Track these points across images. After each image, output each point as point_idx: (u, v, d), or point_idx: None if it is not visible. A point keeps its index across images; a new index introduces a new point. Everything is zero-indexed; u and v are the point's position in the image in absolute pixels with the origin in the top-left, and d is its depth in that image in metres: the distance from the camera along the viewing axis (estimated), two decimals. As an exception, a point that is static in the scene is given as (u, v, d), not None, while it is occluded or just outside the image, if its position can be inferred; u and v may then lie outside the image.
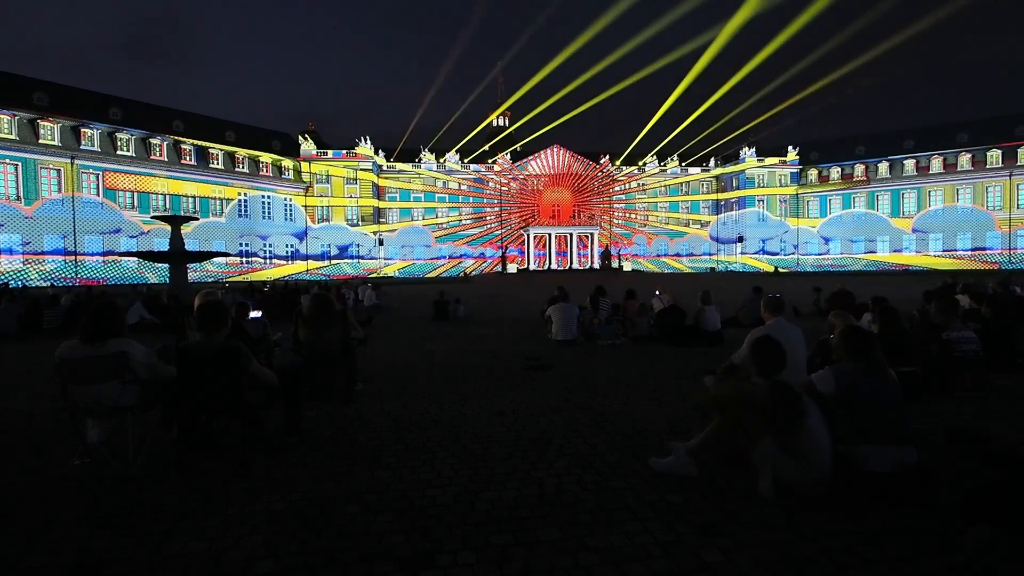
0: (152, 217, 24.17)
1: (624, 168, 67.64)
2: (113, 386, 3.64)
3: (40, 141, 38.91)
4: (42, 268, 38.06)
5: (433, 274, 59.50)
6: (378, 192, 61.91)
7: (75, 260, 40.04)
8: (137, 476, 3.59)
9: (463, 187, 65.29)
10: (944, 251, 53.60)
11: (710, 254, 67.53)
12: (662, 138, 66.47)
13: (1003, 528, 2.37)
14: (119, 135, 43.40)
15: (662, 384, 6.42)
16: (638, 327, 10.29)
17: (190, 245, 23.47)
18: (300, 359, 5.56)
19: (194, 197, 47.37)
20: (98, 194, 41.75)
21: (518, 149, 68.77)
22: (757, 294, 11.94)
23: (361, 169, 58.91)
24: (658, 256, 67.14)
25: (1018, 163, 49.82)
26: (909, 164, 55.82)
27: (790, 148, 62.87)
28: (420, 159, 63.92)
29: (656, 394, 5.91)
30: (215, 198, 49.19)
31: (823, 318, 6.94)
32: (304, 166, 57.18)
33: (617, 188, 68.20)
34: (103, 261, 41.00)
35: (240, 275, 45.69)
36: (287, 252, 55.18)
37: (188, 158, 47.67)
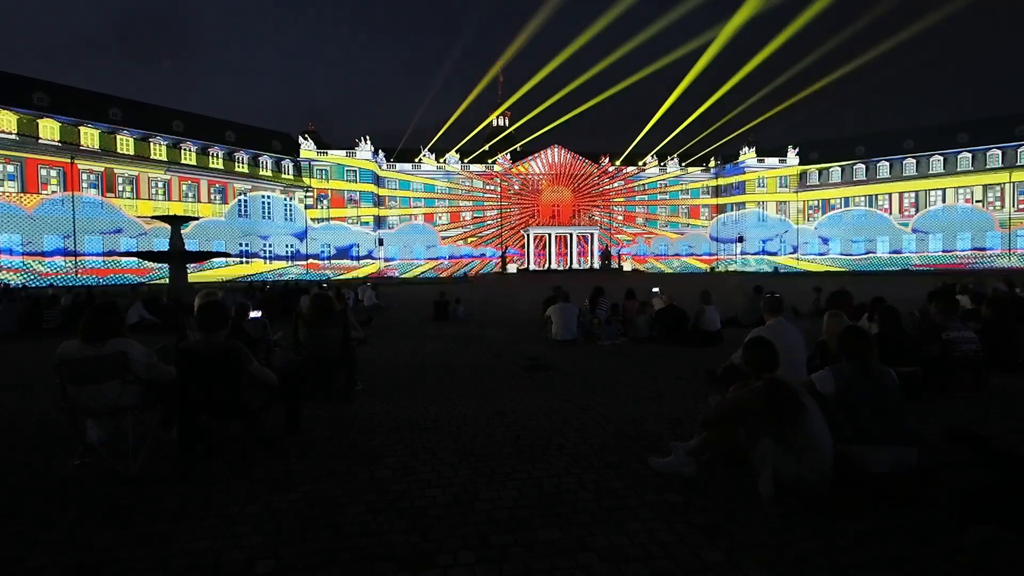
0: (152, 217, 24.10)
1: (624, 168, 67.67)
2: (113, 386, 3.64)
3: (40, 141, 38.92)
4: (43, 273, 38.05)
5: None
6: (378, 193, 61.95)
7: (75, 260, 40.05)
8: (137, 476, 3.59)
9: (463, 187, 65.34)
10: (944, 251, 53.68)
11: (710, 254, 67.57)
12: (662, 138, 66.48)
13: (1003, 528, 2.37)
14: (119, 135, 43.42)
15: (662, 384, 6.42)
16: (638, 327, 10.28)
17: (190, 245, 23.43)
18: (300, 359, 5.57)
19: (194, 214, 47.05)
20: (99, 193, 41.77)
21: (518, 149, 68.77)
22: (758, 294, 11.93)
23: (361, 169, 58.97)
24: (657, 256, 67.16)
25: (1018, 163, 49.86)
26: (909, 164, 55.86)
27: (790, 148, 62.93)
28: (420, 159, 63.98)
29: (656, 394, 5.90)
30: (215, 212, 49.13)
31: (823, 318, 6.93)
32: (304, 166, 57.24)
33: (617, 188, 68.21)
34: (103, 261, 41.02)
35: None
36: (287, 252, 55.19)
37: (188, 158, 47.69)
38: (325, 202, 57.99)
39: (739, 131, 65.79)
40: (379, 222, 61.61)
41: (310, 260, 56.37)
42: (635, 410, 5.24)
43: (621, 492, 3.32)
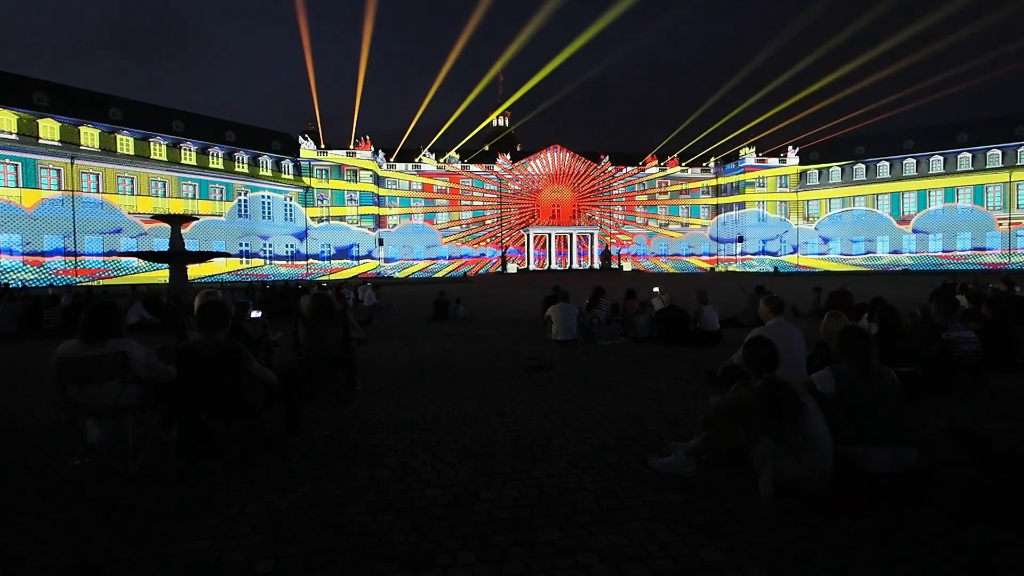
0: (152, 217, 24.14)
1: (624, 168, 67.70)
2: (113, 386, 3.64)
3: (40, 141, 38.93)
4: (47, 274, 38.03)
5: (441, 273, 59.17)
6: (377, 192, 61.96)
7: (75, 260, 40.06)
8: (137, 476, 3.59)
9: (462, 187, 65.36)
10: (944, 251, 53.72)
11: (710, 254, 67.61)
12: (662, 138, 66.55)
13: (1003, 528, 2.37)
14: (119, 135, 43.44)
15: (662, 384, 6.42)
16: (638, 327, 10.28)
17: (190, 245, 23.46)
18: (300, 359, 5.57)
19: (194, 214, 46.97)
20: (99, 192, 41.78)
21: (518, 149, 68.82)
22: (759, 294, 11.92)
23: (361, 169, 59.00)
24: (656, 256, 67.18)
25: (1018, 163, 49.87)
26: (909, 164, 55.88)
27: (790, 148, 62.96)
28: (420, 159, 64.00)
29: (656, 394, 5.90)
30: (215, 214, 48.98)
31: (823, 318, 6.94)
32: (304, 166, 57.25)
33: (617, 188, 68.23)
34: (103, 261, 41.02)
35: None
36: (287, 252, 55.19)
37: (188, 158, 47.73)
38: (325, 201, 57.97)
39: (740, 131, 65.73)
40: (379, 221, 61.55)
41: (309, 260, 56.38)
42: (635, 410, 5.24)
43: (621, 492, 3.32)
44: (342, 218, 58.28)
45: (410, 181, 63.90)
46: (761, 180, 62.94)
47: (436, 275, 57.17)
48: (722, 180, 66.85)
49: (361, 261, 58.39)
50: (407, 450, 4.16)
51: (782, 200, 63.01)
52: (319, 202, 57.80)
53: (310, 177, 57.47)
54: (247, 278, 38.68)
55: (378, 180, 61.92)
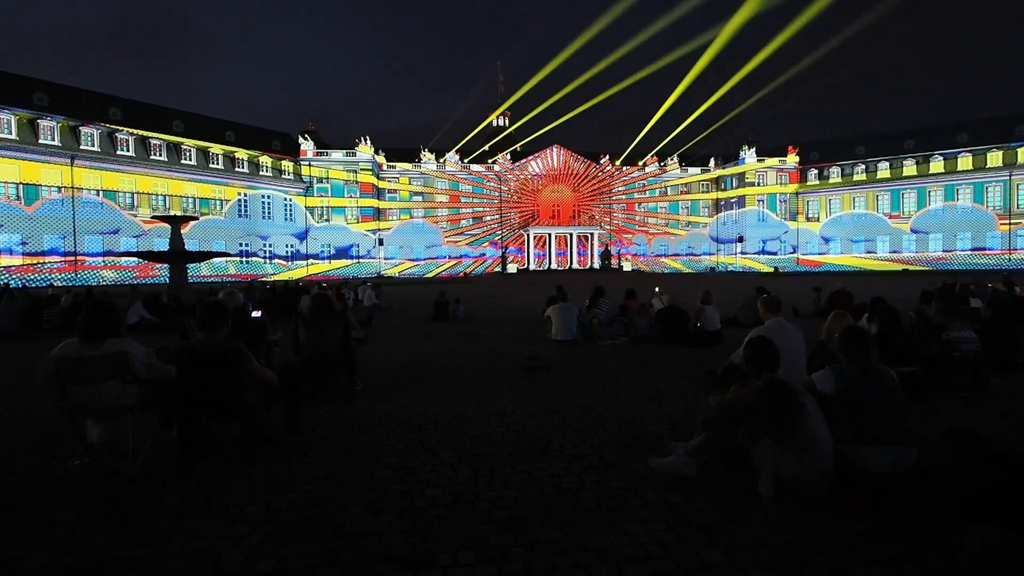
0: (152, 217, 24.19)
1: (624, 168, 67.68)
2: (113, 386, 3.64)
3: (40, 141, 38.91)
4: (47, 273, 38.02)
5: (431, 274, 59.00)
6: (378, 192, 61.96)
7: (75, 260, 40.05)
8: (137, 476, 3.59)
9: (462, 187, 65.34)
10: (944, 251, 53.66)
11: (710, 254, 67.55)
12: (662, 138, 66.54)
13: (1003, 528, 2.37)
14: (119, 135, 43.42)
15: (662, 384, 6.42)
16: (638, 327, 10.28)
17: (190, 245, 23.45)
18: (300, 359, 5.57)
19: (194, 198, 47.44)
20: (98, 194, 41.78)
21: (518, 149, 68.77)
22: (759, 294, 11.91)
23: (361, 169, 58.98)
24: (656, 256, 67.11)
25: (1018, 163, 49.84)
26: (909, 164, 55.85)
27: (790, 148, 62.89)
28: (420, 159, 63.99)
29: (656, 394, 5.90)
30: (214, 199, 49.19)
31: (823, 318, 6.94)
32: (304, 166, 57.21)
33: (617, 188, 68.21)
34: (103, 261, 41.01)
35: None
36: (287, 252, 55.15)
37: (188, 158, 47.73)
38: (325, 194, 57.89)
39: (749, 138, 65.69)
40: (378, 216, 61.38)
41: (309, 259, 56.33)
42: (635, 410, 5.24)
43: (621, 492, 3.32)
44: (342, 210, 58.14)
45: (410, 177, 63.89)
46: (761, 179, 62.87)
47: (426, 276, 56.67)
48: (722, 172, 66.67)
49: (361, 261, 58.34)
50: (407, 450, 4.16)
51: (782, 199, 62.86)
52: (319, 193, 57.54)
53: (310, 167, 57.32)
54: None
55: (378, 174, 61.90)
